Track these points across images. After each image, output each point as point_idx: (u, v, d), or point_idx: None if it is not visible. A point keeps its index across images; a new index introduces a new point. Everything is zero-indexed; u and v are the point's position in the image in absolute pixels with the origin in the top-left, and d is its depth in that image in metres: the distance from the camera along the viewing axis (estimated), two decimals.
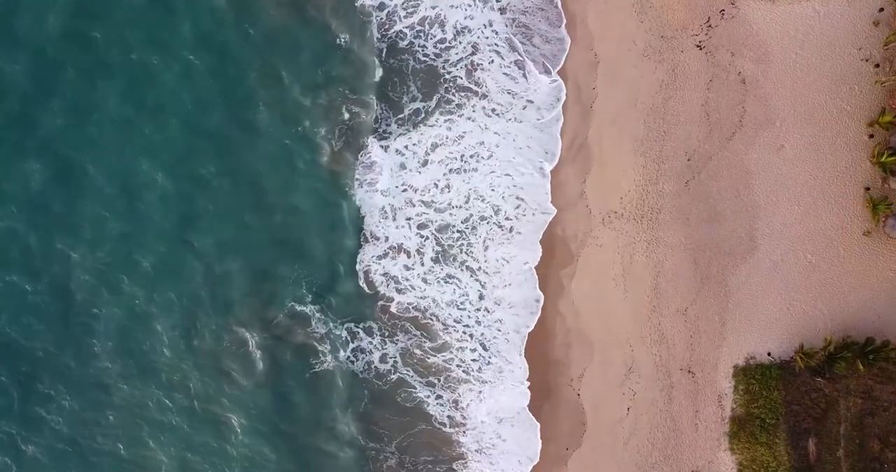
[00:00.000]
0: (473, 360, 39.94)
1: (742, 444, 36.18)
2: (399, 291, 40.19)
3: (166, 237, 39.90)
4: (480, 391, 39.89)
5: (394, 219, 40.08)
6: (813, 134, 34.98)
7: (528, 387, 39.07)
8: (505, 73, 39.42)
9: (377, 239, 40.28)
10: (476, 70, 39.29)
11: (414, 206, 40.02)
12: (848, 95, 34.56)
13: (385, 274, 40.25)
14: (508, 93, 39.43)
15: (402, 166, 39.96)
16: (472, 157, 39.80)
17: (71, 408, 40.40)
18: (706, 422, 36.65)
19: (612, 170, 37.34)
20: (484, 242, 39.58)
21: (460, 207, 39.90)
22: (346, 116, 39.49)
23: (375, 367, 40.37)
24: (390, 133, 39.86)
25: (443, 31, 39.73)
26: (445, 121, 39.77)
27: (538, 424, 39.05)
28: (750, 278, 35.95)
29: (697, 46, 36.15)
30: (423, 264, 40.08)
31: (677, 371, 36.94)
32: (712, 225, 36.21)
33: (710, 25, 35.95)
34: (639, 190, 36.92)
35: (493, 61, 39.41)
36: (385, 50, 39.95)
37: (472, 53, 39.49)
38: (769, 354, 35.71)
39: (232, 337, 39.87)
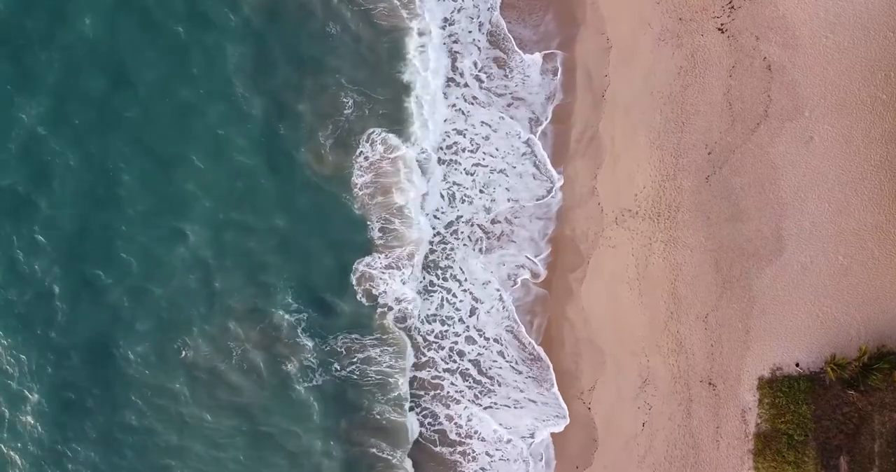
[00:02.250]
0: (469, 386, 38.82)
1: (768, 462, 34.84)
2: (389, 300, 38.92)
3: (153, 241, 39.36)
4: (471, 414, 38.79)
5: (385, 220, 38.94)
6: (845, 125, 33.90)
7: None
8: (483, 65, 38.85)
9: (374, 245, 39.01)
10: (456, 60, 38.84)
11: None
12: (883, 83, 33.38)
13: (377, 282, 38.90)
14: (488, 88, 38.74)
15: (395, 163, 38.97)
16: (449, 147, 38.93)
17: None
18: (728, 439, 35.46)
19: (626, 164, 36.44)
20: (465, 252, 38.65)
21: (444, 210, 39.00)
22: (348, 109, 38.72)
23: (358, 377, 39.11)
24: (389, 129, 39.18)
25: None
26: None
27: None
28: (776, 281, 34.81)
29: (719, 30, 35.17)
30: (407, 273, 38.79)
31: (697, 383, 35.79)
32: (735, 224, 35.17)
33: (732, 7, 34.92)
34: (655, 186, 35.92)
35: (472, 53, 38.82)
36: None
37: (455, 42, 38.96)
38: (797, 365, 34.62)
39: (216, 346, 39.06)
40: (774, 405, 34.62)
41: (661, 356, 36.05)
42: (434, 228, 38.75)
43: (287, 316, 38.62)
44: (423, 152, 38.61)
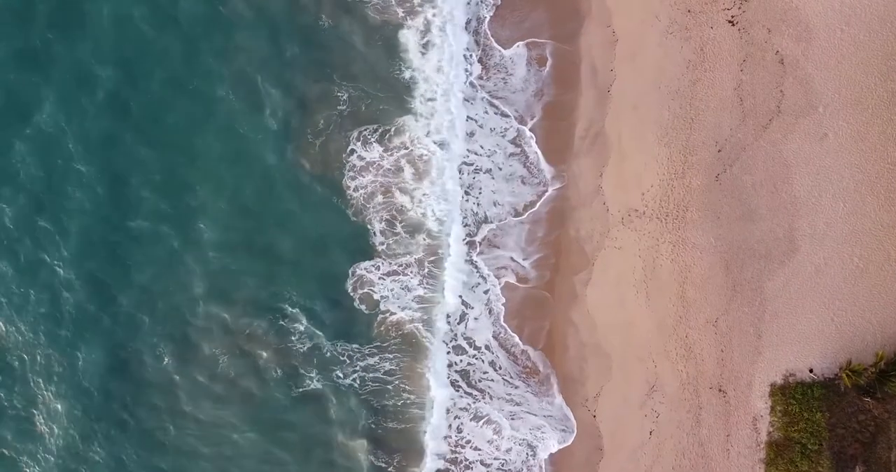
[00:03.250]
0: (461, 395, 38.03)
1: None
2: (387, 306, 38.27)
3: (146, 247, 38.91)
4: (461, 425, 38.31)
5: (378, 223, 38.31)
6: (860, 121, 33.47)
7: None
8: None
9: (376, 249, 38.28)
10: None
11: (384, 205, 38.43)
12: None
13: (373, 286, 38.23)
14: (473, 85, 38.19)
15: (389, 163, 38.29)
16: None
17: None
18: (739, 447, 34.87)
19: (633, 162, 36.04)
20: (456, 255, 38.12)
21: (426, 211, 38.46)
22: (343, 106, 38.13)
23: (359, 385, 38.59)
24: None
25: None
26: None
27: None
28: (789, 284, 34.29)
29: (729, 22, 34.72)
30: (415, 281, 38.35)
31: (706, 390, 35.23)
32: (746, 224, 34.70)
33: None
34: (663, 185, 35.48)
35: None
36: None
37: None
38: (811, 371, 34.06)
39: (207, 353, 38.65)
40: (787, 413, 33.99)
41: (670, 362, 35.48)
42: (426, 226, 38.13)
43: (282, 322, 38.14)
44: (443, 148, 38.00)
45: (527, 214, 37.60)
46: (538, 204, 37.43)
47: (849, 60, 33.20)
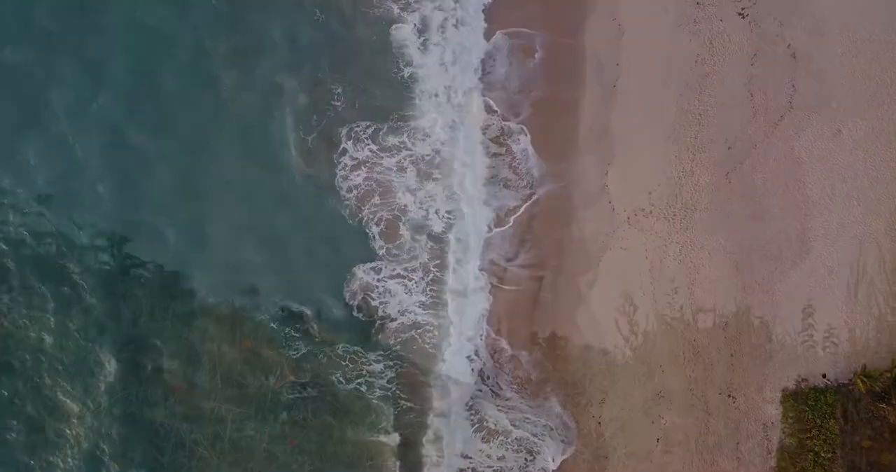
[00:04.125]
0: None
1: None
2: (387, 311, 37.15)
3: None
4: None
5: (377, 225, 37.40)
6: (876, 117, 32.68)
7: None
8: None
9: (375, 253, 37.41)
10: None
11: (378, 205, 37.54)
12: None
13: (371, 291, 37.22)
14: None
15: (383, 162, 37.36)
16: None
17: None
18: (749, 455, 34.12)
19: (639, 160, 35.18)
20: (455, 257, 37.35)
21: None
22: (337, 102, 37.43)
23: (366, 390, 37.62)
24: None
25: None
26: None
27: None
28: (801, 286, 33.56)
29: (740, 14, 34.06)
30: (420, 287, 37.45)
31: (716, 396, 34.39)
32: (757, 224, 33.90)
33: None
34: (670, 183, 34.65)
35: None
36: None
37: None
38: (824, 376, 33.22)
39: (199, 358, 37.82)
40: (799, 420, 33.17)
41: (677, 366, 34.63)
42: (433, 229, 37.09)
43: (274, 325, 37.29)
44: (448, 146, 37.10)
45: (516, 216, 36.89)
46: (523, 208, 36.67)
47: (864, 54, 32.41)
